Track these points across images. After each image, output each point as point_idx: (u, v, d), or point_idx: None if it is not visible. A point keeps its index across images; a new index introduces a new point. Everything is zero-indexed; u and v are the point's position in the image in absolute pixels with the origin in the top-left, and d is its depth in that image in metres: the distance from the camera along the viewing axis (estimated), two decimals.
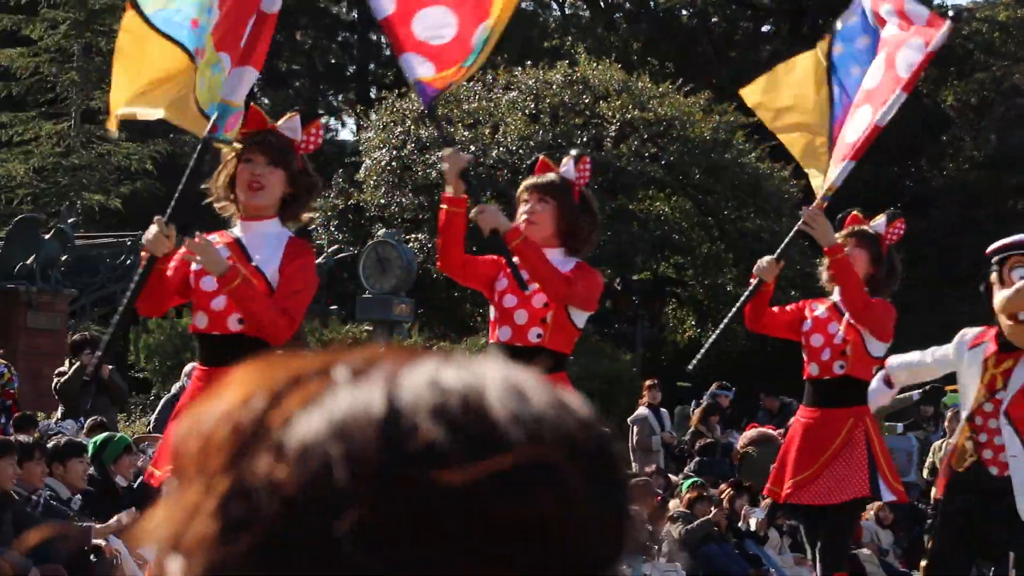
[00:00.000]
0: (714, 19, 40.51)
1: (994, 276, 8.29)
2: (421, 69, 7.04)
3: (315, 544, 0.75)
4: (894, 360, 8.87)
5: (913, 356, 8.98)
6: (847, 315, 7.95)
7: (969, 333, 8.45)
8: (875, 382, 8.68)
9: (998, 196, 34.84)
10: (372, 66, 41.88)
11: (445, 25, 7.06)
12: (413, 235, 26.20)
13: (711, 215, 27.74)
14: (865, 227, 8.25)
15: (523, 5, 43.63)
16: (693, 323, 27.25)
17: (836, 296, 8.08)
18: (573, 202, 6.97)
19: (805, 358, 8.17)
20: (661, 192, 27.63)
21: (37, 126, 28.23)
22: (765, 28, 42.18)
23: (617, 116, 25.58)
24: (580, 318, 6.97)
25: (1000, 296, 7.94)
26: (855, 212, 8.49)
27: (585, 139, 25.04)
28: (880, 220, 8.29)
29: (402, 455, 0.75)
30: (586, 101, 26.31)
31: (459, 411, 0.77)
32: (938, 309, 33.11)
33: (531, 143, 24.84)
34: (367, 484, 0.74)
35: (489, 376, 0.81)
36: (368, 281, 21.60)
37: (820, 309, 8.16)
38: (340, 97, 42.11)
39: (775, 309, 8.58)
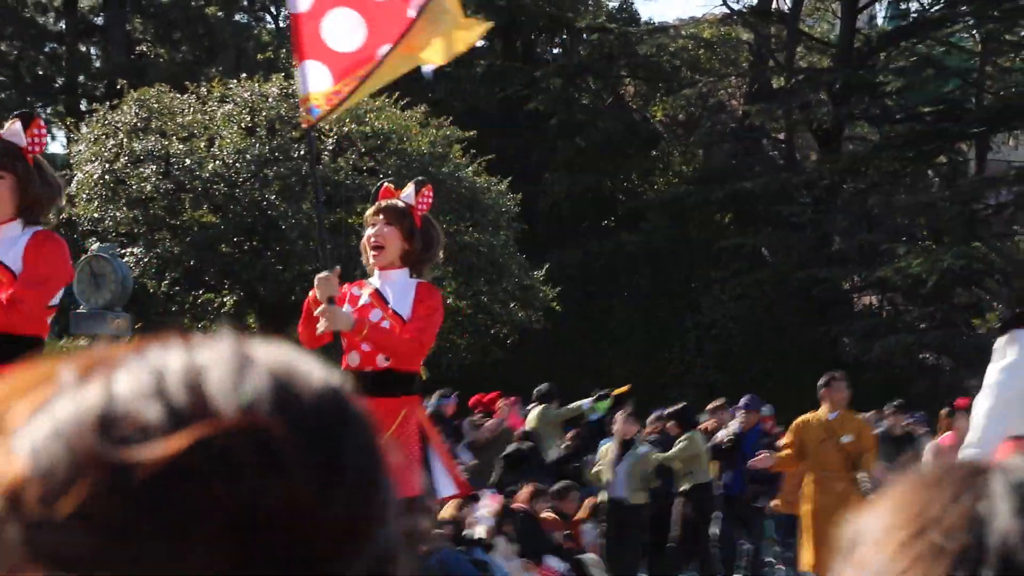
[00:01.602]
0: None
1: None
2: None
3: (35, 538, 0.77)
4: None
5: None
6: (391, 303, 7.42)
7: None
8: None
9: (706, 210, 35.96)
10: (82, 78, 40.49)
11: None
12: (128, 249, 25.56)
13: None
14: (395, 201, 7.64)
15: (237, 17, 42.95)
16: None
17: (377, 279, 7.49)
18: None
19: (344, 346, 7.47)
20: None
21: None
22: (479, 43, 42.43)
23: (334, 129, 25.61)
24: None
25: None
26: (387, 185, 7.89)
27: (302, 152, 24.78)
28: (409, 190, 7.72)
29: (115, 439, 0.76)
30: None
31: (175, 391, 0.78)
32: (652, 317, 34.51)
33: (247, 156, 24.63)
34: (85, 472, 0.76)
35: (215, 355, 0.81)
36: (82, 296, 20.99)
37: (362, 295, 7.48)
38: (49, 110, 40.68)
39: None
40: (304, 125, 7.69)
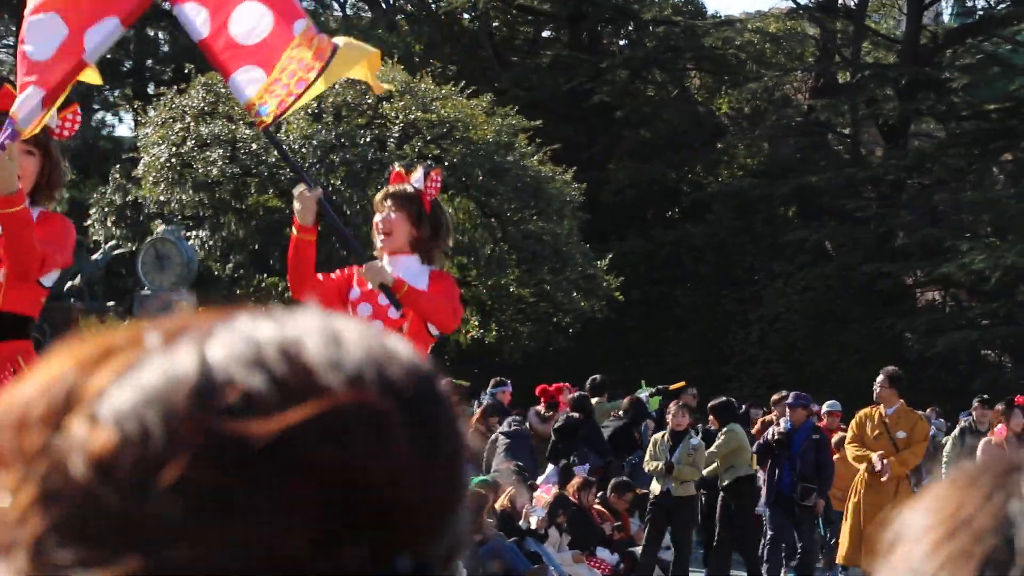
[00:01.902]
0: (495, 23, 40.84)
1: None
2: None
3: (131, 508, 0.75)
4: None
5: None
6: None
7: None
8: None
9: (770, 203, 35.91)
10: (150, 62, 41.12)
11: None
12: (193, 232, 25.85)
13: (494, 216, 28.05)
14: (404, 186, 7.57)
15: (304, 4, 43.39)
16: (476, 323, 27.58)
17: (387, 265, 7.32)
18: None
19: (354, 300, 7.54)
20: (444, 193, 27.02)
21: None
22: (545, 34, 42.67)
23: (400, 117, 25.65)
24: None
25: None
26: (399, 170, 7.88)
27: (368, 139, 24.97)
28: (418, 175, 7.63)
29: (216, 409, 0.76)
30: (369, 101, 26.38)
31: (275, 361, 0.78)
32: (715, 309, 34.67)
33: (313, 142, 24.82)
34: (183, 442, 0.75)
35: (306, 326, 0.81)
36: (147, 277, 21.21)
37: None
38: (117, 93, 41.39)
39: (320, 277, 7.72)
40: (260, 127, 7.52)
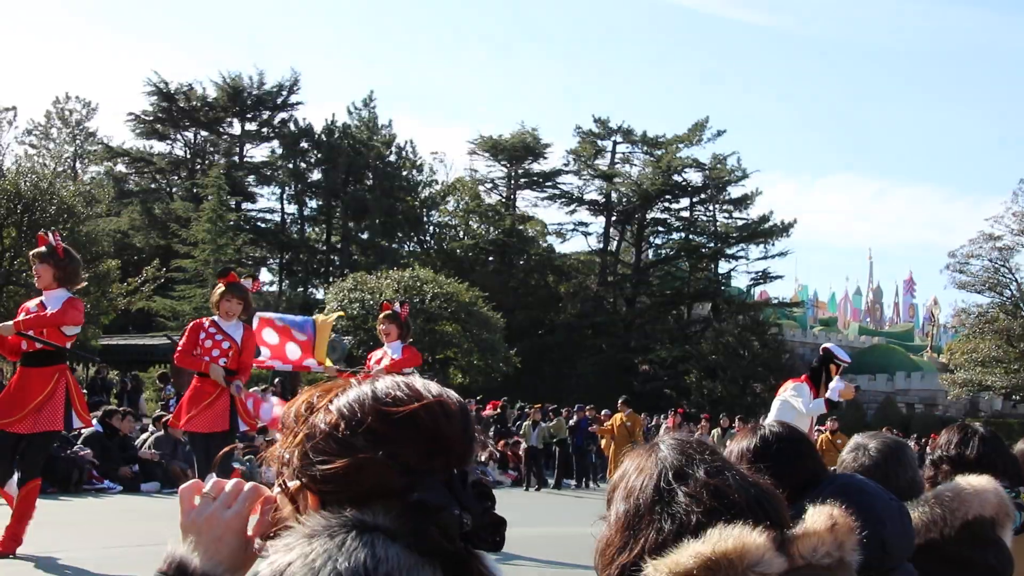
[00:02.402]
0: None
1: None
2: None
3: (346, 446, 1.82)
4: None
5: None
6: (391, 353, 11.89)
7: None
8: None
9: None
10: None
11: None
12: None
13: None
14: (390, 312, 12.08)
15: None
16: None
17: (388, 347, 11.98)
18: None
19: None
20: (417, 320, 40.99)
21: None
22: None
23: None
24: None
25: None
26: (386, 303, 12.44)
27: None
28: (397, 306, 12.23)
29: (382, 402, 1.88)
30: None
31: (403, 385, 1.92)
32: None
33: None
34: (368, 415, 1.86)
35: (410, 377, 1.97)
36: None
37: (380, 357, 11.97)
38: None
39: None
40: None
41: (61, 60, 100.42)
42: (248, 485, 2.03)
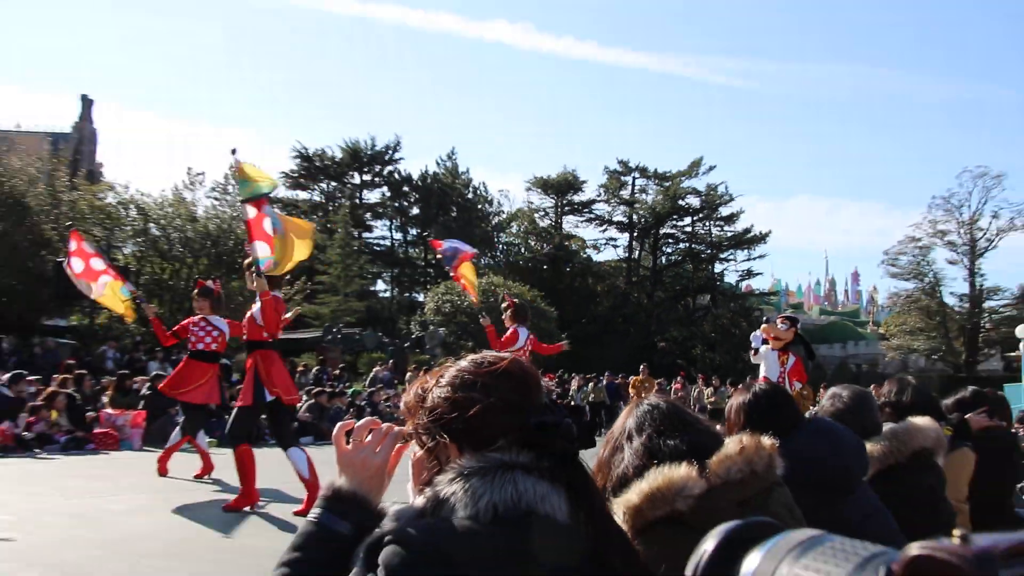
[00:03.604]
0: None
1: None
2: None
3: (468, 400, 1.86)
4: None
5: None
6: None
7: None
8: None
9: None
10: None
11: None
12: None
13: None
14: (504, 305, 11.43)
15: None
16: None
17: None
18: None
19: None
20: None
21: None
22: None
23: None
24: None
25: None
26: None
27: None
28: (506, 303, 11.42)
29: (483, 365, 1.93)
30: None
31: (486, 355, 1.96)
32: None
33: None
34: (476, 377, 1.91)
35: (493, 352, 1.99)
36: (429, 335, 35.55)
37: None
38: None
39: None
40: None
41: (232, 137, 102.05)
42: (391, 433, 2.06)
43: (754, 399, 3.47)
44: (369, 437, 2.05)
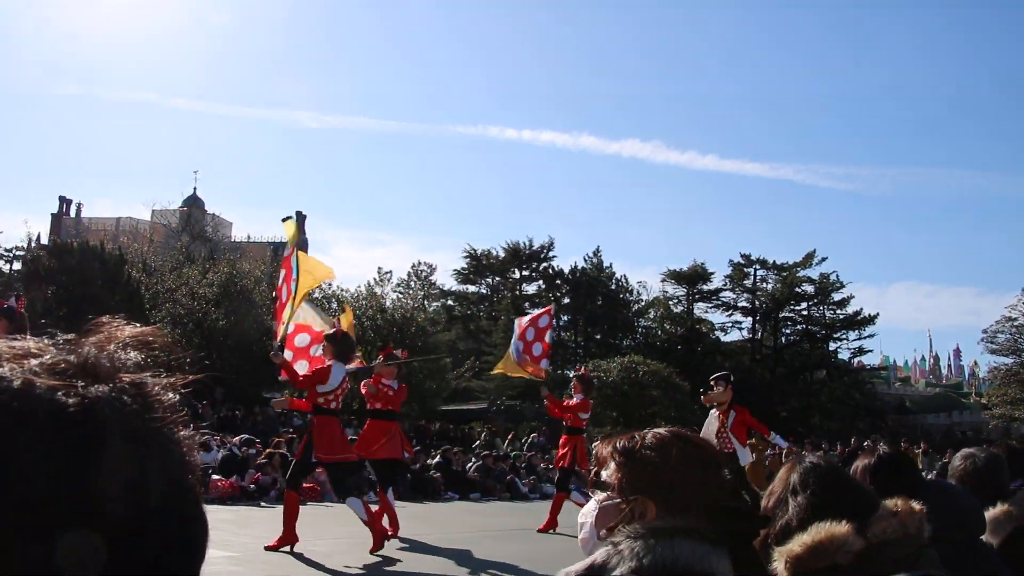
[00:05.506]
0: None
1: None
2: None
3: (673, 466, 1.75)
4: None
5: None
6: None
7: None
8: None
9: None
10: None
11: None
12: None
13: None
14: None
15: None
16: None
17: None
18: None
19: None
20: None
21: None
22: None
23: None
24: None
25: None
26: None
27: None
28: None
29: (675, 442, 1.74)
30: None
31: (681, 433, 1.71)
32: None
33: None
34: (679, 450, 1.72)
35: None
36: None
37: None
38: None
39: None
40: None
41: (415, 241, 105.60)
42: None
43: (878, 462, 3.25)
44: None
